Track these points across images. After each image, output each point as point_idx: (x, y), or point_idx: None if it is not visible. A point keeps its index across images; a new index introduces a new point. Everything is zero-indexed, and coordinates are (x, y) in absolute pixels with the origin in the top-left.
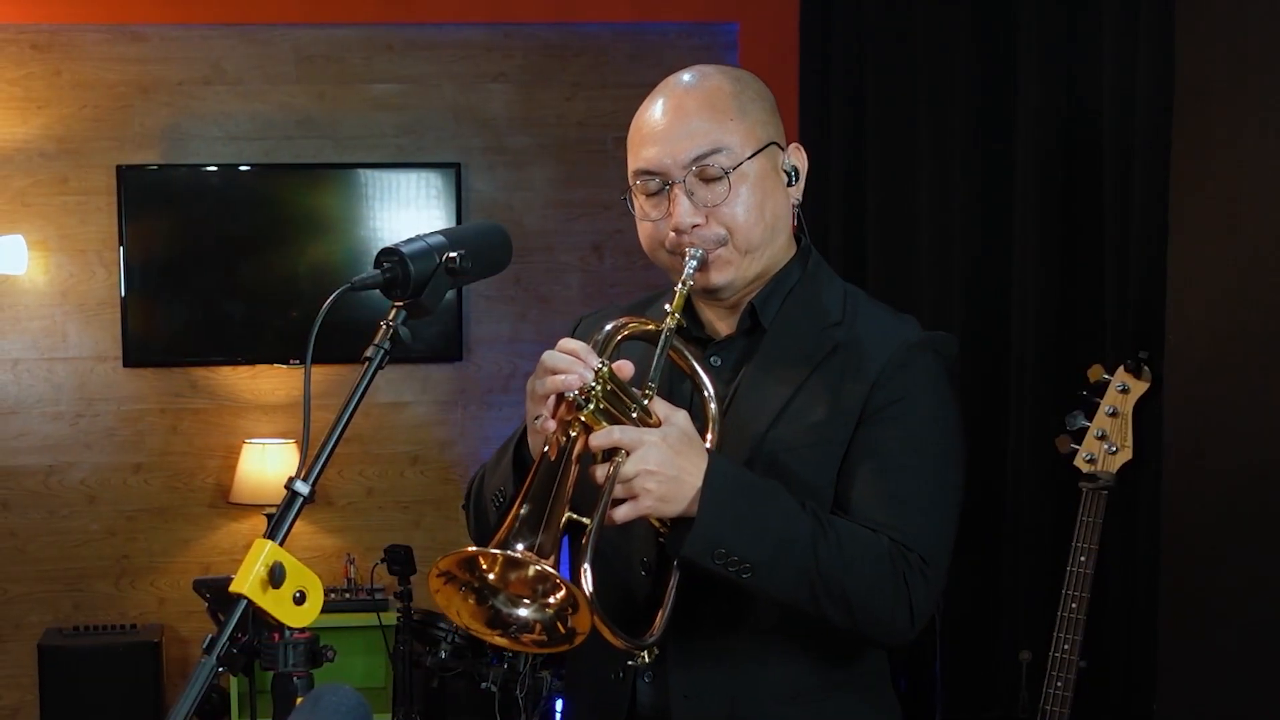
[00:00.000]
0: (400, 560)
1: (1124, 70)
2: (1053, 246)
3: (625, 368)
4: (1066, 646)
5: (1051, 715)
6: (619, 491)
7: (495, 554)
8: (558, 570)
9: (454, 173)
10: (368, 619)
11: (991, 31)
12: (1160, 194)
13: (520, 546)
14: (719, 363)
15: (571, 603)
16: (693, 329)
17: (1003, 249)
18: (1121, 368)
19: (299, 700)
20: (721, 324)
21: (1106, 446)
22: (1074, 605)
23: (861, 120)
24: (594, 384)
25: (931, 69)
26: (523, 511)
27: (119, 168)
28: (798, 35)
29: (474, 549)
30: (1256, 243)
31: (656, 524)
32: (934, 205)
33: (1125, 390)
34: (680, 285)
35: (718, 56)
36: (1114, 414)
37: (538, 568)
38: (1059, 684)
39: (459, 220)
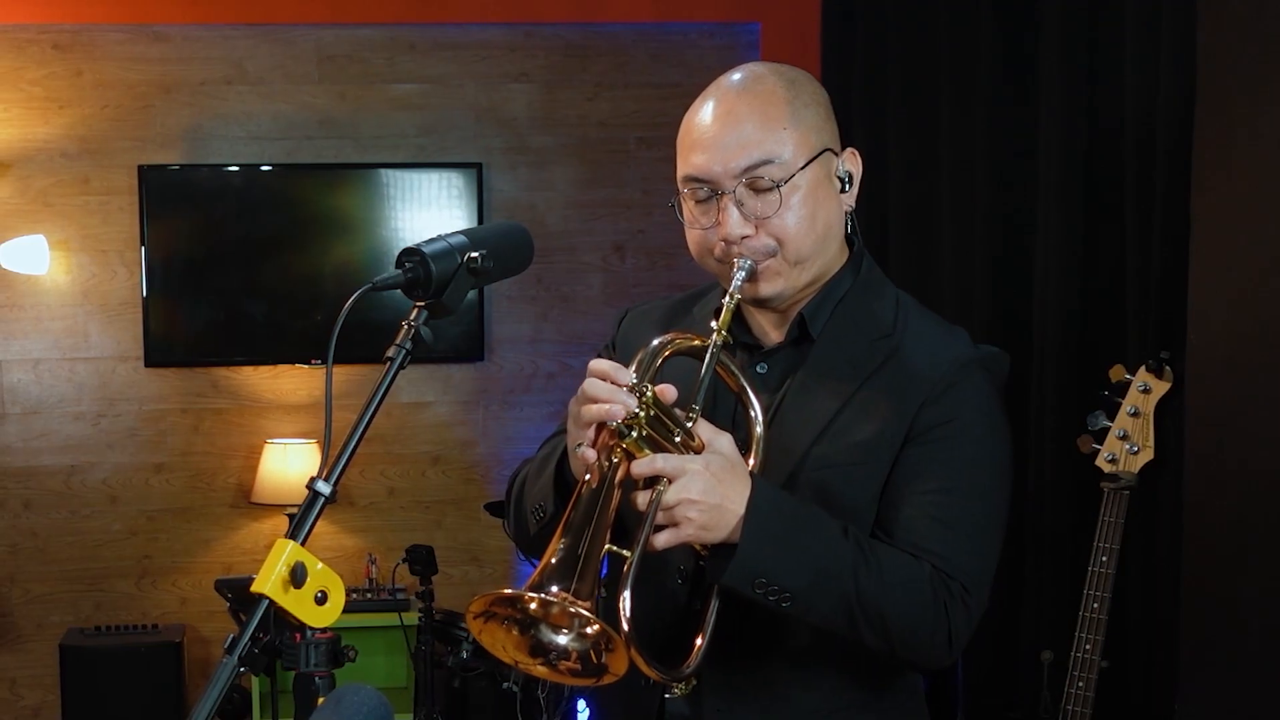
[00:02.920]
0: (422, 560)
1: (1146, 69)
2: (1074, 246)
3: (668, 392)
4: (1088, 646)
5: (1073, 715)
6: (660, 519)
7: (534, 597)
8: (595, 613)
9: (476, 173)
10: (389, 619)
11: (1014, 31)
12: (1182, 193)
13: (555, 589)
14: (765, 370)
15: (607, 639)
16: (741, 334)
17: (1024, 249)
18: (1143, 368)
19: (320, 700)
20: (772, 330)
21: (1128, 446)
22: (1095, 605)
23: (884, 120)
24: (638, 410)
25: (954, 69)
26: (562, 547)
27: (140, 168)
28: (819, 35)
29: (510, 592)
30: (1278, 242)
31: (698, 548)
32: (956, 205)
33: (1147, 390)
34: (728, 298)
35: (740, 56)
36: (1135, 414)
37: (573, 610)
38: (1081, 684)
39: (480, 220)
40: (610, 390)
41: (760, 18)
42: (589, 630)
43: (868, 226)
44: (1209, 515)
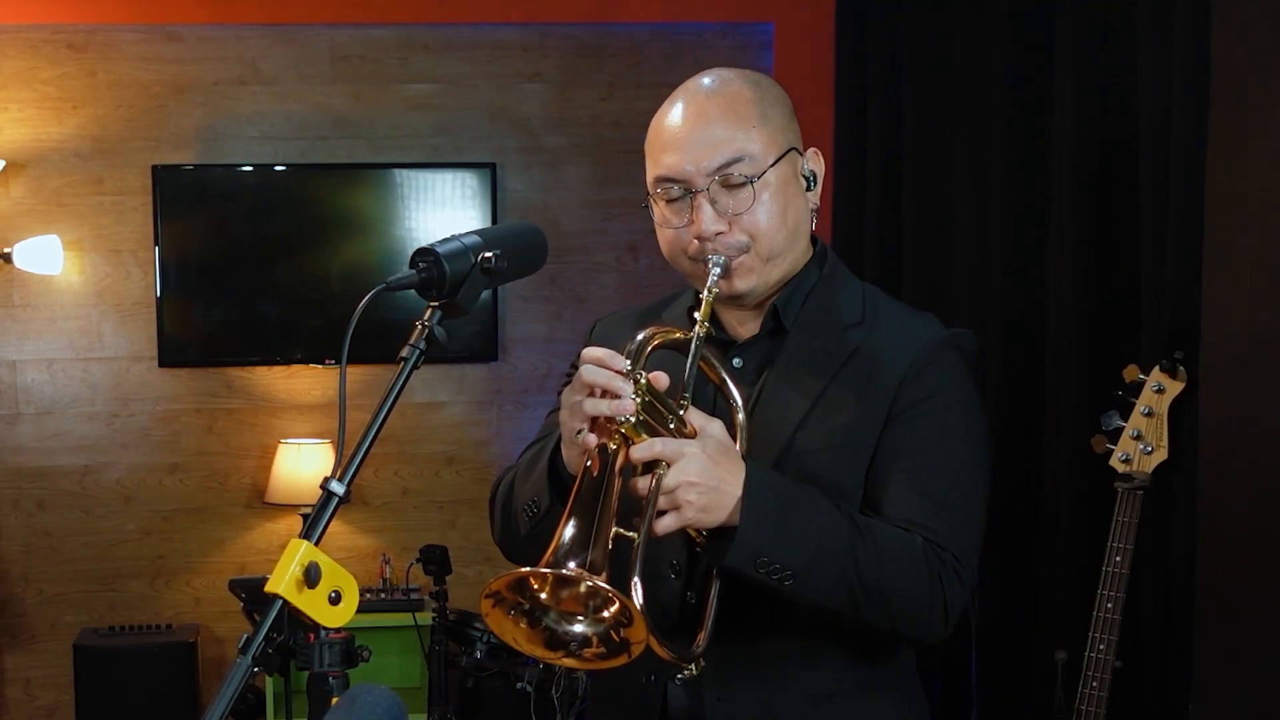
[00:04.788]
0: (436, 560)
1: (1160, 67)
2: (1088, 246)
3: (661, 379)
4: (1102, 647)
5: (1087, 716)
6: (662, 503)
7: (547, 574)
8: (612, 586)
9: (489, 173)
10: (403, 619)
11: (1027, 30)
12: (1196, 193)
13: (572, 565)
14: (741, 364)
15: (624, 616)
16: (715, 331)
17: (1038, 248)
18: (1157, 368)
19: (334, 700)
20: (742, 326)
21: (1142, 447)
22: (1109, 605)
23: (897, 119)
24: (634, 397)
25: (968, 68)
26: (570, 529)
27: (154, 168)
28: (833, 35)
29: (527, 570)
30: None
31: (694, 534)
32: (969, 204)
33: (1161, 390)
34: (706, 293)
35: (753, 56)
36: (1149, 414)
37: (590, 584)
38: (1094, 684)
39: (494, 220)
40: (609, 376)
41: (774, 17)
42: (606, 612)
43: (881, 223)
44: (1223, 515)
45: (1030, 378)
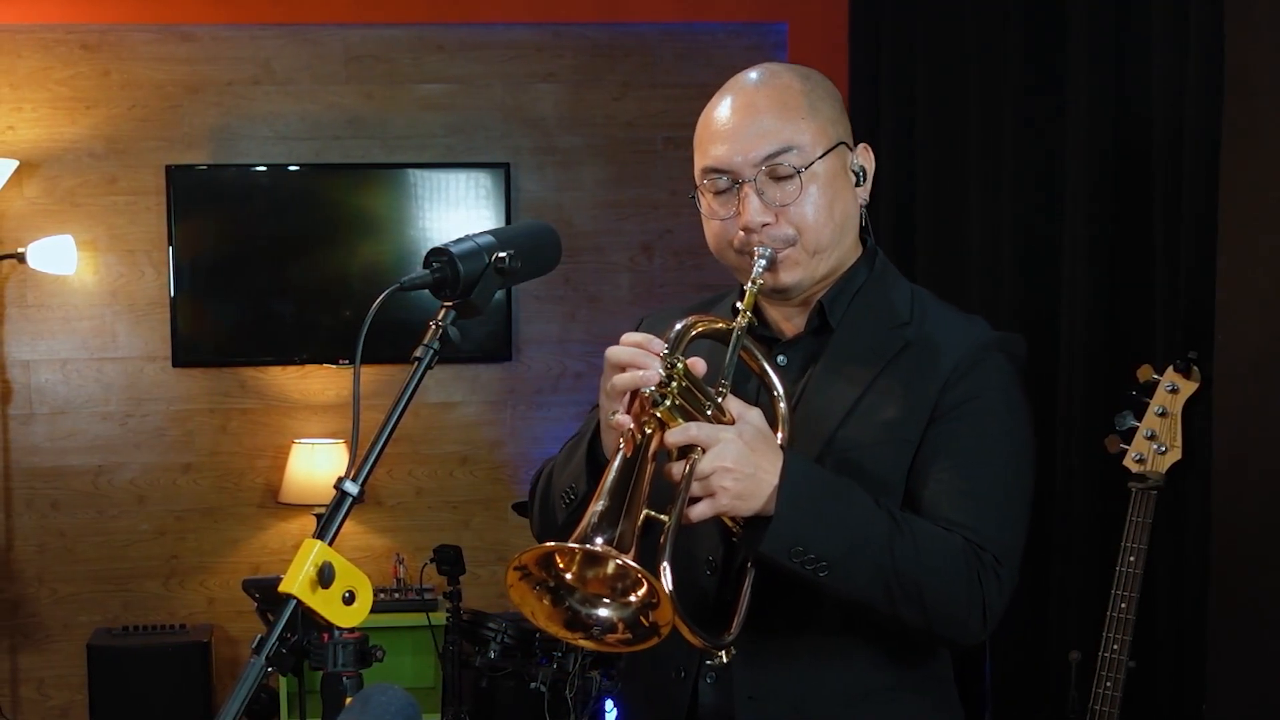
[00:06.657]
0: (449, 560)
1: (1174, 66)
2: (1102, 246)
3: (699, 365)
4: (1116, 646)
5: (1101, 715)
6: (696, 489)
7: (574, 549)
8: (639, 564)
9: (503, 173)
10: (417, 619)
11: (1041, 29)
12: (1210, 192)
13: (600, 541)
14: (785, 361)
15: (651, 598)
16: (760, 329)
17: (1052, 248)
18: (1170, 368)
19: (348, 700)
20: (786, 323)
21: (1156, 447)
22: (1123, 605)
23: (911, 119)
24: (669, 380)
25: (981, 67)
26: (599, 507)
27: (168, 168)
28: (847, 35)
29: (554, 544)
30: None
31: (729, 523)
32: (983, 204)
33: (1174, 390)
34: (750, 284)
35: (767, 56)
36: (1163, 414)
37: (618, 562)
38: (1108, 684)
39: (508, 220)
40: (636, 354)
41: (787, 17)
42: (633, 595)
43: (895, 224)
44: (1236, 515)
45: (1044, 377)
